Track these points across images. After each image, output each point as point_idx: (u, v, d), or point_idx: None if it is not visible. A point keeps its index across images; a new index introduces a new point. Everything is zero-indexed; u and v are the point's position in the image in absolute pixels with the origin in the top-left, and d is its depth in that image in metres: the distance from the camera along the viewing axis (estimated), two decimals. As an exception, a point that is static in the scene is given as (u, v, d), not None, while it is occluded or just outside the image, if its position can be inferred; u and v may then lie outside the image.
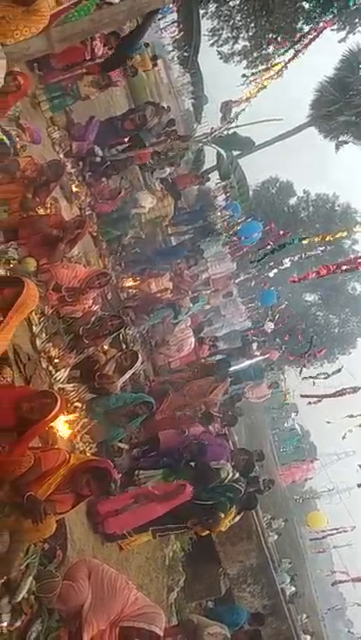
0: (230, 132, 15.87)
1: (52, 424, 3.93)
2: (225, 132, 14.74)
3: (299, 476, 23.96)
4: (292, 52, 16.22)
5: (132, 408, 5.39)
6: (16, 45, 4.52)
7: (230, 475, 5.87)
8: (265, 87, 16.32)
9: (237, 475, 6.19)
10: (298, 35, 14.48)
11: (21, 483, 3.15)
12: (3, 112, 5.20)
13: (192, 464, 5.92)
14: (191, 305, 10.14)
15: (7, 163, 4.91)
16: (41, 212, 5.47)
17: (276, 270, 14.17)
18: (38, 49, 4.45)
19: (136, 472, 5.66)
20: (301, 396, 17.74)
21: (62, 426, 4.59)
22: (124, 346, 6.84)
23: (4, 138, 5.03)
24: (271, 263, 14.45)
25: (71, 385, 5.01)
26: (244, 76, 17.69)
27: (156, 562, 6.05)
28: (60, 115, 7.48)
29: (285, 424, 28.30)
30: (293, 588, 11.82)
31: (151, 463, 5.90)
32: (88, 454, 4.81)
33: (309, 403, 16.68)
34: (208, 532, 5.86)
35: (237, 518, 6.14)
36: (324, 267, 8.31)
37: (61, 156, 7.22)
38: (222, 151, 13.79)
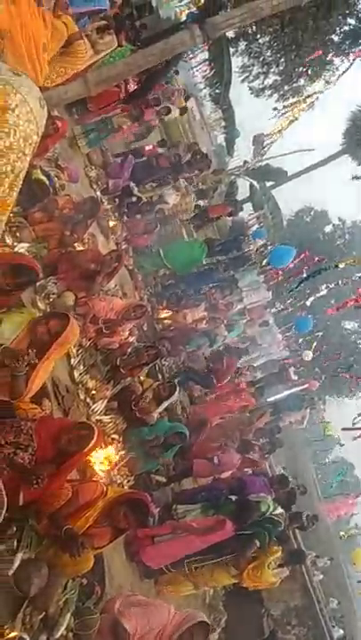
0: (263, 163, 16.08)
1: (89, 456, 3.94)
2: (257, 164, 14.95)
3: (344, 512, 23.01)
4: (323, 83, 16.47)
5: (166, 438, 5.35)
6: (54, 90, 4.76)
7: (271, 508, 5.70)
8: (297, 119, 16.55)
9: (279, 509, 6.01)
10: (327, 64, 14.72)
11: (59, 516, 3.15)
12: (42, 154, 5.45)
13: (231, 498, 5.79)
14: (227, 333, 10.09)
15: (47, 202, 5.11)
16: (79, 247, 5.63)
17: (312, 298, 14.00)
18: (76, 92, 4.66)
19: (174, 506, 5.57)
20: (343, 429, 17.09)
21: (99, 458, 4.59)
22: (160, 376, 6.85)
23: (44, 178, 5.25)
24: (308, 291, 14.30)
25: (108, 417, 5.04)
26: (275, 109, 18.00)
27: (196, 600, 5.88)
28: (96, 152, 7.77)
29: (328, 457, 27.39)
30: (341, 632, 11.20)
31: (189, 497, 5.80)
32: (125, 487, 4.78)
33: (355, 438, 16.01)
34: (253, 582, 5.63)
35: (286, 572, 5.93)
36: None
37: (98, 193, 7.47)
38: (255, 183, 13.95)
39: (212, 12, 7.80)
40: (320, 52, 14.23)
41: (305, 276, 11.90)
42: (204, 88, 18.90)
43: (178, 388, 5.98)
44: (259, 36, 15.84)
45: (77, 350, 4.90)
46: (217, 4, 9.82)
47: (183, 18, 13.28)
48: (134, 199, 8.42)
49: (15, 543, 2.86)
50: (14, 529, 2.89)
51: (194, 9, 12.63)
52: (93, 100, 6.76)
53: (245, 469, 7.01)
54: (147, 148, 9.66)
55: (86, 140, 7.42)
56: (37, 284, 4.46)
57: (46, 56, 4.24)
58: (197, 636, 3.39)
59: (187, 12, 13.29)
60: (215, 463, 6.38)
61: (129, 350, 5.52)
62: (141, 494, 3.88)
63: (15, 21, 3.50)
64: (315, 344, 15.83)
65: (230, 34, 13.50)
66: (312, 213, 28.68)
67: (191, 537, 4.81)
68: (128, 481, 4.97)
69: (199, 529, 4.89)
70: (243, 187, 15.82)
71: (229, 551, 5.13)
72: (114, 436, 5.00)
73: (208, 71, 16.60)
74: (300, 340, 15.87)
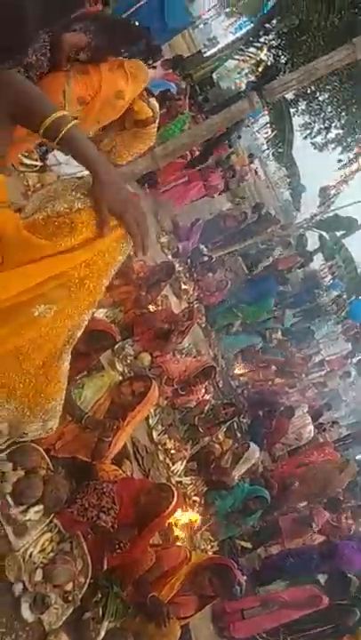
0: (331, 214, 16.03)
1: (170, 519, 3.88)
2: (325, 216, 14.93)
3: None
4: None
5: (246, 503, 5.13)
6: (126, 167, 5.11)
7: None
8: (362, 168, 16.50)
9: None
10: None
11: (144, 582, 3.09)
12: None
13: (324, 572, 5.39)
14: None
15: (123, 268, 5.37)
16: (152, 308, 5.81)
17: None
18: (145, 167, 4.97)
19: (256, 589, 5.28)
20: None
21: (182, 522, 4.49)
22: (238, 435, 6.71)
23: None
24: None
25: (188, 478, 4.95)
26: (340, 161, 18.07)
27: None
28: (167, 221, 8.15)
29: None
30: None
31: (276, 564, 5.46)
32: (209, 553, 4.61)
33: None
34: None
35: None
36: None
37: (170, 257, 7.76)
38: (324, 233, 13.89)
39: (270, 77, 8.17)
40: None
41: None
42: (267, 148, 19.43)
43: (257, 448, 5.80)
44: (318, 94, 16.23)
45: (155, 410, 4.93)
46: (274, 70, 10.29)
47: (242, 87, 13.99)
48: (205, 258, 8.65)
49: (101, 611, 2.82)
50: (99, 596, 2.86)
51: (252, 78, 13.28)
52: (161, 174, 7.20)
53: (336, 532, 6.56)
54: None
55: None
56: (115, 346, 4.61)
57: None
58: None
59: (245, 81, 13.97)
60: (312, 527, 6.00)
61: (206, 408, 5.49)
62: (226, 560, 3.74)
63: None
64: None
65: (290, 95, 13.96)
66: (388, 259, 27.81)
67: (284, 611, 4.49)
68: (212, 547, 4.79)
69: (292, 603, 4.56)
70: (312, 239, 15.77)
71: (328, 621, 4.72)
72: (195, 498, 4.89)
73: (270, 133, 17.12)
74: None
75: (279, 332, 9.53)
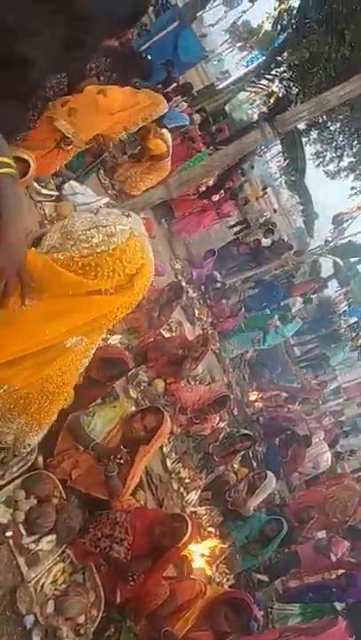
0: (345, 240, 16.07)
1: (185, 551, 3.79)
2: (339, 242, 14.96)
3: None
4: None
5: (262, 531, 5.02)
6: (141, 197, 5.21)
7: None
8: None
9: None
10: None
11: (157, 616, 3.01)
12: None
13: (343, 603, 5.20)
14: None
15: None
16: (166, 334, 5.82)
17: None
18: (159, 197, 5.06)
19: (270, 602, 5.11)
20: None
21: (196, 553, 4.38)
22: (254, 464, 6.60)
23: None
24: None
25: (203, 508, 4.86)
26: (353, 188, 18.19)
27: None
28: (180, 247, 8.24)
29: None
30: None
31: (294, 597, 5.30)
32: (225, 586, 4.49)
33: None
34: None
35: None
36: None
37: (184, 283, 7.80)
38: (338, 260, 13.90)
39: (282, 108, 8.32)
40: None
41: None
42: (280, 177, 19.63)
43: (274, 478, 5.69)
44: (329, 123, 16.44)
45: (169, 438, 4.87)
46: (286, 101, 10.49)
47: (255, 118, 14.26)
48: (218, 285, 8.69)
49: (113, 646, 2.75)
50: (112, 630, 2.79)
51: (264, 109, 13.54)
52: (179, 208, 7.33)
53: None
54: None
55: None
56: (129, 373, 4.60)
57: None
58: None
59: (258, 112, 14.24)
60: (332, 559, 5.84)
61: (221, 436, 5.42)
62: (243, 594, 3.63)
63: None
64: None
65: (301, 125, 14.17)
66: None
67: (301, 638, 4.33)
68: (227, 580, 4.66)
69: (307, 629, 4.41)
70: (326, 265, 15.78)
71: None
72: (210, 529, 4.79)
73: (282, 161, 17.33)
74: None
75: (275, 318, 9.21)
